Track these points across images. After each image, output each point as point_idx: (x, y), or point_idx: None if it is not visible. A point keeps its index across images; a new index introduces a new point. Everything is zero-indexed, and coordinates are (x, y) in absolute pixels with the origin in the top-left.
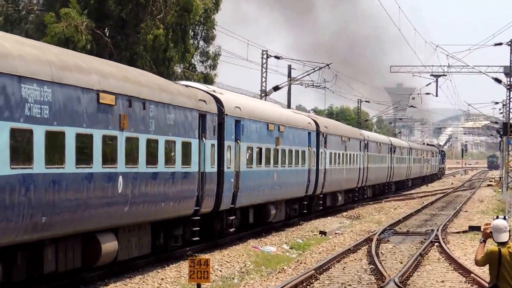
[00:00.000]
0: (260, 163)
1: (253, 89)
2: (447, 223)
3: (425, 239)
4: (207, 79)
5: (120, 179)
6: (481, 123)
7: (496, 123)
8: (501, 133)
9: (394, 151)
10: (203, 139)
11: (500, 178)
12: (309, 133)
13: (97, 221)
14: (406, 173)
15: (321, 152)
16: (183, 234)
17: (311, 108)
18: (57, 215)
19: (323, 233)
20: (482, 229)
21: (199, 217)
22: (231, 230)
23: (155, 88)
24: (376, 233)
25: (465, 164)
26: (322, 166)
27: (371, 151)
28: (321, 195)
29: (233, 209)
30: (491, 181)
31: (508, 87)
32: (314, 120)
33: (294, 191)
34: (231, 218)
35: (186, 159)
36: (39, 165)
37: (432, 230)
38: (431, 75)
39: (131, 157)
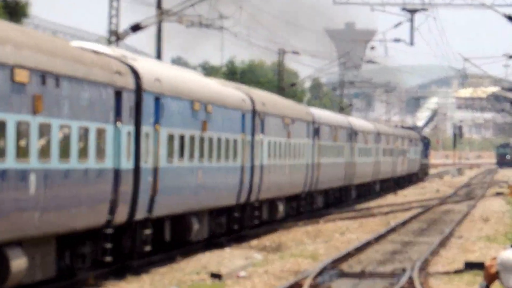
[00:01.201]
0: (182, 156)
1: (96, 29)
2: (429, 257)
3: (391, 286)
4: (15, 12)
5: (33, 177)
6: (486, 91)
7: (510, 90)
8: None
9: (356, 139)
10: (118, 124)
11: None
12: (243, 115)
13: (5, 231)
14: (373, 172)
15: (258, 141)
16: (94, 252)
17: (199, 63)
18: None
19: (216, 276)
20: (484, 267)
21: (112, 230)
22: (147, 249)
23: (69, 59)
24: (309, 275)
25: (460, 158)
26: (258, 161)
27: (323, 139)
28: (257, 204)
29: (149, 219)
30: (503, 186)
31: None
32: (248, 96)
33: (223, 197)
34: (147, 232)
35: (100, 152)
36: None
37: (403, 269)
38: (403, 9)
39: (44, 150)
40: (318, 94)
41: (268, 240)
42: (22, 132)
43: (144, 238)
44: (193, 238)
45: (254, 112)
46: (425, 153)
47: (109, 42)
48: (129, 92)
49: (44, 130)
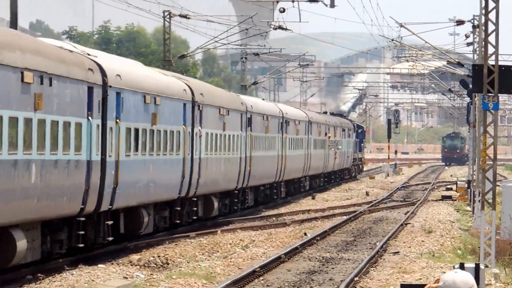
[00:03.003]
0: (137, 150)
1: None
2: (356, 278)
3: None
4: None
5: (34, 167)
6: (428, 66)
7: (460, 64)
8: (470, 87)
9: (287, 129)
10: (90, 118)
11: (468, 182)
12: (184, 105)
13: (12, 214)
14: (304, 166)
15: (196, 133)
16: (69, 238)
17: (65, 29)
18: None
19: None
20: None
21: (83, 218)
22: (109, 239)
23: (56, 60)
24: None
25: (396, 152)
26: (197, 154)
27: (256, 130)
28: (194, 198)
29: (110, 210)
30: (450, 188)
31: None
32: (187, 85)
33: (168, 190)
34: (109, 223)
35: (78, 144)
36: None
37: None
38: None
39: (41, 142)
40: (211, 69)
41: (152, 254)
42: (28, 127)
43: (106, 229)
44: (143, 231)
45: (193, 102)
46: (360, 145)
47: None
48: (98, 88)
49: (41, 125)
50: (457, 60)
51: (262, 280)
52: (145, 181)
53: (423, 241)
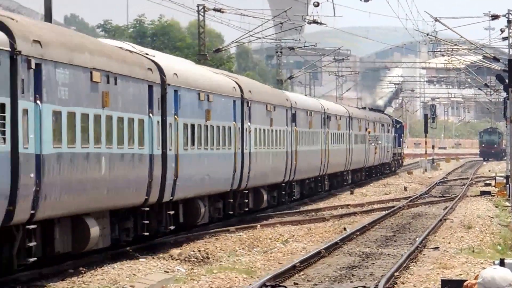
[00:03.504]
0: (193, 144)
1: None
2: (396, 273)
3: None
4: None
5: (103, 160)
6: (464, 60)
7: (495, 59)
8: (506, 82)
9: (329, 124)
10: (151, 115)
11: (506, 177)
12: (234, 102)
13: (86, 204)
14: (346, 160)
15: (246, 129)
16: (134, 227)
17: (100, 22)
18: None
19: None
20: None
21: (147, 208)
22: (171, 228)
23: (119, 60)
24: None
25: (433, 147)
26: (247, 148)
27: (300, 125)
28: (246, 191)
29: (171, 201)
30: (489, 184)
31: None
32: (236, 83)
33: (221, 183)
34: (171, 213)
35: (141, 139)
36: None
37: None
38: None
39: (109, 137)
40: (247, 64)
41: (192, 248)
42: (96, 122)
43: (167, 219)
44: (200, 221)
45: (242, 99)
46: (399, 140)
47: None
48: (157, 86)
49: (109, 121)
50: (492, 55)
51: (303, 275)
52: (201, 174)
53: (462, 236)
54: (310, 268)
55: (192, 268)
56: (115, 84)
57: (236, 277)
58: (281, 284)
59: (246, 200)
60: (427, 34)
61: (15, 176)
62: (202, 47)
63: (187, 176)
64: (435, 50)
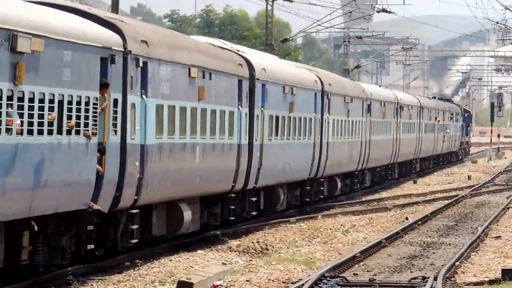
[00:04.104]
0: (277, 134)
1: None
2: (457, 263)
3: None
4: None
5: (198, 150)
6: None
7: None
8: None
9: (401, 114)
10: (240, 107)
11: None
12: (315, 95)
13: (181, 190)
14: (415, 149)
15: (325, 120)
16: (221, 212)
17: (167, 12)
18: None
19: (185, 285)
20: None
21: (234, 195)
22: (253, 213)
23: (213, 57)
24: (303, 285)
25: (499, 136)
26: (325, 138)
27: (374, 116)
28: (322, 179)
29: (255, 189)
30: None
31: None
32: (317, 77)
33: (299, 171)
34: (253, 199)
35: (231, 130)
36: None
37: (424, 278)
38: None
39: (203, 128)
40: (312, 52)
41: (251, 239)
42: (193, 115)
43: (250, 205)
44: (279, 207)
45: (322, 92)
46: (467, 129)
47: None
48: (246, 81)
49: (203, 113)
50: None
51: (363, 265)
52: (282, 163)
53: None
54: (370, 259)
55: (250, 260)
56: (210, 79)
57: (295, 268)
58: (340, 275)
59: (322, 188)
60: (497, 22)
61: (123, 165)
62: (269, 37)
63: (270, 164)
64: (504, 38)
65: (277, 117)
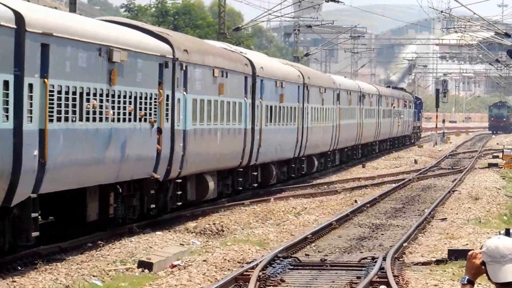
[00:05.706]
0: (271, 121)
1: None
2: (404, 244)
3: (358, 279)
4: None
5: (219, 133)
6: (476, 37)
7: (507, 35)
8: None
9: (363, 101)
10: (245, 99)
11: None
12: (298, 87)
13: (207, 165)
14: (375, 132)
15: (305, 108)
16: (232, 183)
17: (123, 2)
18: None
19: (145, 265)
20: (467, 258)
21: (242, 169)
22: (255, 185)
23: (228, 59)
24: (257, 265)
25: (444, 121)
26: (306, 124)
27: (342, 104)
28: (303, 158)
29: (255, 165)
30: (497, 156)
31: None
32: (300, 72)
33: (287, 151)
34: (255, 173)
35: (239, 117)
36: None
37: (373, 258)
38: None
39: (222, 116)
40: (263, 41)
41: (207, 221)
42: (215, 106)
43: (252, 178)
44: (272, 181)
45: (304, 85)
46: (418, 115)
47: None
48: (249, 77)
49: (222, 104)
50: (504, 31)
51: (314, 246)
52: (275, 144)
53: (470, 207)
54: (321, 240)
55: (207, 241)
56: (226, 77)
57: (249, 249)
58: (293, 256)
59: (303, 165)
60: (442, 12)
61: (172, 145)
62: (222, 26)
63: (266, 145)
64: (449, 27)
65: (271, 107)
